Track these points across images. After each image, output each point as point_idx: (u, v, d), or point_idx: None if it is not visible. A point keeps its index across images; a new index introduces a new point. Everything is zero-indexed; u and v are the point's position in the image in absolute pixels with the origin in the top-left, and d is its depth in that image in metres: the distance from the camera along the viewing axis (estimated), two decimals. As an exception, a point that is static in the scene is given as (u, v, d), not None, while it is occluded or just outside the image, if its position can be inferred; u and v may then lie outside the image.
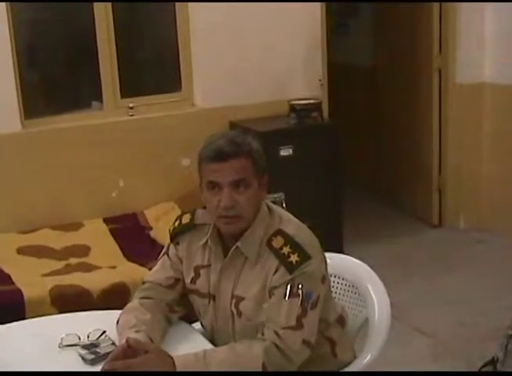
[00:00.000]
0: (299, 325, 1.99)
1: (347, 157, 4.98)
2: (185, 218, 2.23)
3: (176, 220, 2.26)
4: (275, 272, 2.02)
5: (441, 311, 4.13)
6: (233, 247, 2.09)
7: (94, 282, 3.60)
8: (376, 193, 6.07)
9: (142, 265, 3.72)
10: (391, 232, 5.34)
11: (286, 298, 1.99)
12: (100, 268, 3.82)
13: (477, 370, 1.98)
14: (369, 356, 2.24)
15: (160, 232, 3.96)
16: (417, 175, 5.55)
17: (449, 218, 5.41)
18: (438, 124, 5.31)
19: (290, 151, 4.47)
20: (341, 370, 2.22)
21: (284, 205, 4.24)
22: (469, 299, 4.24)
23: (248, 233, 2.07)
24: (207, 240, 2.15)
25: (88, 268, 3.82)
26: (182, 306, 2.24)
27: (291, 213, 2.20)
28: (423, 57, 5.31)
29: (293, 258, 2.01)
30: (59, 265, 3.86)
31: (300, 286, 2.00)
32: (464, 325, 3.95)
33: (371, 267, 2.49)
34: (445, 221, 5.43)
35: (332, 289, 2.44)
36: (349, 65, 6.19)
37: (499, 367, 1.88)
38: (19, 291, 3.47)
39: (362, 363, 2.24)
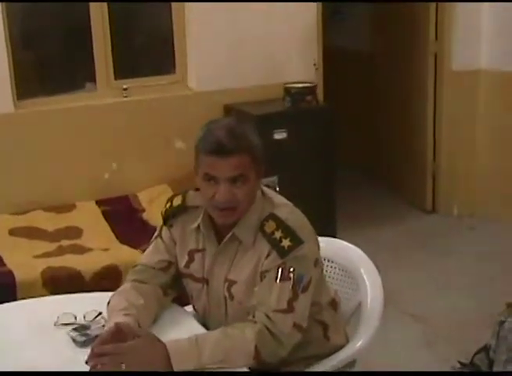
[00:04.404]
0: (290, 308, 1.98)
1: (342, 142, 4.96)
2: (177, 200, 2.21)
3: (167, 202, 2.23)
4: (267, 256, 2.01)
5: (434, 296, 4.14)
6: (229, 234, 2.08)
7: (86, 264, 3.59)
8: (371, 178, 6.07)
9: (134, 247, 3.71)
10: (384, 217, 5.34)
11: (278, 281, 1.99)
12: (92, 250, 3.81)
13: (469, 356, 1.97)
14: (361, 340, 2.24)
15: (153, 214, 3.95)
16: (412, 160, 5.54)
17: (443, 204, 5.41)
18: (432, 111, 5.29)
19: (285, 134, 4.45)
20: (334, 354, 2.22)
21: (277, 189, 4.23)
22: (462, 285, 4.25)
23: (244, 220, 2.06)
24: (199, 224, 2.13)
25: (81, 250, 3.80)
26: (174, 289, 2.23)
27: (284, 197, 2.18)
28: (419, 43, 5.29)
29: (285, 242, 2.00)
30: (52, 247, 3.84)
31: (291, 269, 1.99)
32: (457, 310, 3.96)
33: (364, 251, 2.49)
34: (439, 207, 5.43)
35: (325, 273, 2.43)
36: (346, 50, 6.16)
37: (492, 354, 1.88)
38: (11, 273, 3.45)
39: (355, 347, 2.24)
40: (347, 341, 2.28)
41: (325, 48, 5.02)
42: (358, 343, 2.24)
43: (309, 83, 4.67)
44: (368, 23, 6.08)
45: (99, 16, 4.39)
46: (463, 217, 5.29)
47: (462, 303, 4.02)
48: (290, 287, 1.98)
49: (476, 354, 1.92)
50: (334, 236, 2.92)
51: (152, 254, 2.24)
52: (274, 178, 4.33)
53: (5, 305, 2.37)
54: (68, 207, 4.25)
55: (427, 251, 4.75)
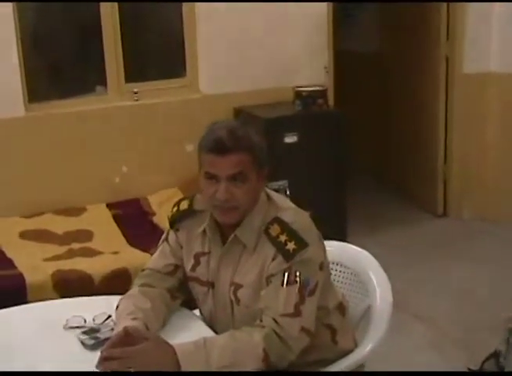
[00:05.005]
0: (297, 312, 1.97)
1: (354, 145, 4.95)
2: (183, 205, 2.22)
3: (174, 206, 2.24)
4: (273, 260, 2.01)
5: (443, 300, 4.12)
6: (231, 236, 2.08)
7: (96, 267, 3.60)
8: (382, 182, 6.05)
9: (144, 250, 3.71)
10: (395, 220, 5.32)
11: (284, 285, 1.98)
12: (102, 253, 3.82)
13: (477, 359, 1.96)
14: (370, 345, 2.23)
15: (163, 217, 3.90)
16: (422, 164, 5.53)
17: (454, 208, 5.39)
18: (443, 113, 5.28)
19: (295, 138, 4.45)
20: (343, 359, 2.21)
21: (288, 193, 4.24)
22: (471, 289, 4.23)
23: (246, 222, 2.06)
24: (205, 228, 2.13)
25: (91, 253, 3.81)
26: (182, 292, 2.23)
27: (295, 201, 2.18)
28: (430, 45, 5.27)
29: (290, 245, 1.99)
30: (62, 250, 3.86)
31: (297, 273, 1.98)
32: (465, 314, 3.94)
33: (374, 255, 2.48)
34: (450, 210, 5.41)
35: (334, 277, 2.43)
36: (356, 52, 6.15)
37: (502, 361, 1.87)
38: (21, 276, 3.47)
39: (364, 351, 2.23)
40: (356, 346, 2.27)
41: (335, 51, 5.02)
42: (366, 348, 2.23)
43: (320, 86, 4.66)
44: (379, 25, 6.07)
45: (109, 20, 4.41)
46: (473, 221, 5.26)
47: (471, 307, 4.00)
48: (297, 290, 1.98)
49: (485, 361, 1.91)
50: (345, 240, 2.91)
51: (159, 258, 2.24)
52: (284, 182, 4.33)
53: (16, 307, 2.37)
54: (79, 211, 4.27)
55: (438, 255, 4.73)
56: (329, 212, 4.34)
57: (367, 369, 2.31)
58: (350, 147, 4.70)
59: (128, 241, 3.99)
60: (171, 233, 2.23)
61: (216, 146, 1.98)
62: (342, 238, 3.62)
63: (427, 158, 5.46)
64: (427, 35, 5.29)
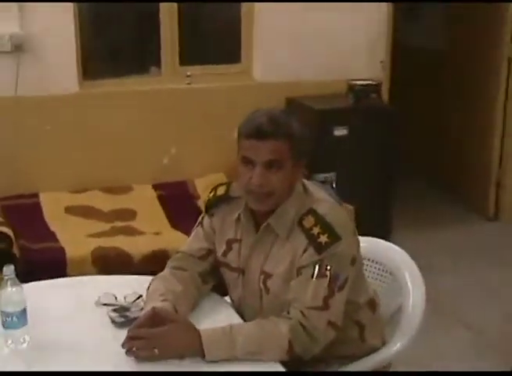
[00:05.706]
0: (325, 306, 1.96)
1: (405, 142, 4.87)
2: (220, 190, 2.22)
3: (211, 191, 2.24)
4: (304, 251, 1.99)
5: (488, 306, 4.04)
6: (264, 224, 2.07)
7: (136, 246, 3.64)
8: (432, 180, 5.96)
9: (186, 233, 3.69)
10: (443, 221, 5.23)
11: (314, 278, 1.96)
12: (144, 233, 3.86)
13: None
14: (397, 345, 2.21)
15: (206, 202, 3.97)
16: (477, 165, 5.42)
17: (506, 212, 5.28)
18: (502, 114, 5.16)
19: (345, 131, 4.41)
20: (370, 356, 2.19)
21: (334, 185, 4.20)
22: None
23: (280, 211, 2.05)
24: (239, 215, 2.13)
25: (133, 232, 3.86)
26: (213, 277, 2.23)
27: (341, 194, 2.16)
28: (493, 45, 5.14)
29: (323, 238, 1.97)
30: (105, 227, 3.91)
31: (328, 267, 1.96)
32: (510, 321, 3.85)
33: (418, 255, 2.43)
34: (502, 214, 5.30)
35: (368, 274, 2.40)
36: (416, 48, 6.04)
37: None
38: (63, 249, 3.54)
39: (391, 350, 2.20)
40: (384, 344, 2.24)
41: (396, 46, 4.93)
42: (394, 347, 2.20)
43: (374, 80, 4.60)
44: (442, 20, 5.95)
45: (167, 3, 4.42)
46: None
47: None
48: (327, 284, 1.96)
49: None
50: (389, 237, 2.87)
51: (192, 242, 2.25)
52: (331, 174, 4.30)
53: (53, 280, 2.41)
54: (125, 189, 4.31)
55: (485, 259, 4.63)
56: (374, 208, 4.30)
57: (393, 369, 2.28)
58: (401, 144, 4.63)
59: (170, 223, 4.03)
60: (206, 217, 2.24)
61: (255, 131, 1.98)
62: (386, 234, 3.59)
63: (481, 158, 5.35)
64: (491, 35, 5.16)
